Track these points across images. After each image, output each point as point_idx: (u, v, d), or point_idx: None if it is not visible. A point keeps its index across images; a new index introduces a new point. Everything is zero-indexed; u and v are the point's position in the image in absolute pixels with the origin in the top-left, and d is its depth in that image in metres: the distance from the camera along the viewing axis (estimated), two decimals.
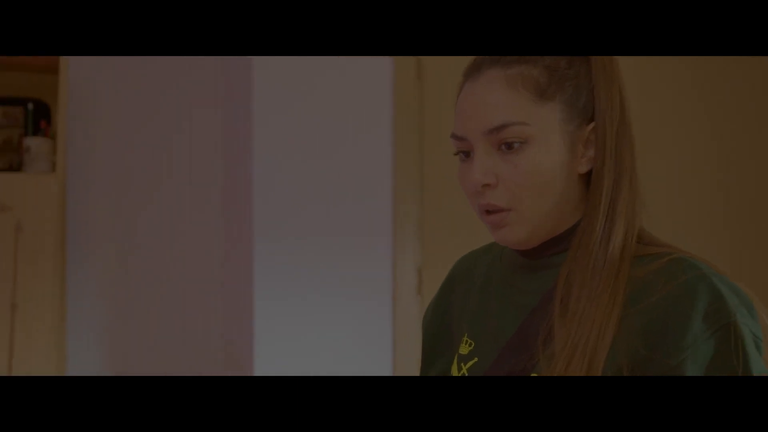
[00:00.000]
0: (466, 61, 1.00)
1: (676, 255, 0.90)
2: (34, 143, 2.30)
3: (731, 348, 0.83)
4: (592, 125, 0.94)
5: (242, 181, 2.40)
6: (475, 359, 0.99)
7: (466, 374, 1.00)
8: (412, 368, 1.24)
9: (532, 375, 0.90)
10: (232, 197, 2.52)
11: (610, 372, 0.85)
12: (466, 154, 0.96)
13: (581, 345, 0.87)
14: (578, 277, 0.91)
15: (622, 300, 0.87)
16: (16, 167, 2.34)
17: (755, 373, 0.83)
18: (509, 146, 0.92)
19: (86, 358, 2.55)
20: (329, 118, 1.78)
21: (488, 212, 0.95)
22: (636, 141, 0.97)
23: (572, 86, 0.94)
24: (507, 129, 0.92)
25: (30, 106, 2.37)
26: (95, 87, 2.56)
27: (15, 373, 2.16)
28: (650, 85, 2.69)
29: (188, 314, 2.61)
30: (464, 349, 1.02)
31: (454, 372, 1.02)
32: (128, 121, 2.61)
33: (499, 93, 0.94)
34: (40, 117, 2.38)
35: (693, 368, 0.83)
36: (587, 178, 0.95)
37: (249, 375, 2.26)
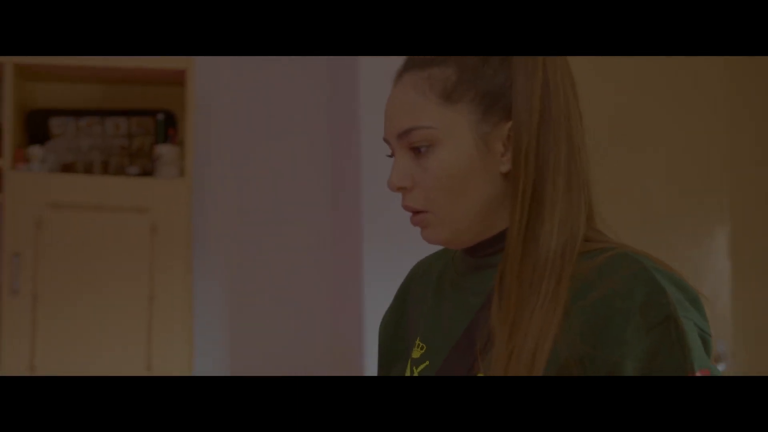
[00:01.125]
0: None
1: (620, 250, 0.88)
2: (164, 150, 2.52)
3: (672, 342, 0.82)
4: (510, 124, 0.91)
5: (350, 178, 2.58)
6: (426, 362, 0.98)
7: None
8: None
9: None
10: (340, 195, 2.70)
11: (554, 373, 0.84)
12: (393, 157, 0.96)
13: (516, 350, 0.85)
14: (511, 278, 0.89)
15: (564, 300, 0.86)
16: (149, 172, 2.57)
17: (697, 369, 0.82)
18: (418, 150, 0.92)
19: (210, 344, 2.78)
20: None
21: (412, 213, 0.95)
22: (585, 140, 0.94)
23: (487, 85, 0.92)
24: (413, 133, 0.92)
25: (160, 116, 2.59)
26: (216, 98, 2.79)
27: (153, 358, 2.40)
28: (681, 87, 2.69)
29: (299, 300, 2.81)
30: (416, 353, 1.01)
31: (407, 375, 1.01)
32: (244, 127, 2.82)
33: (408, 97, 0.93)
34: (168, 126, 2.61)
35: (634, 364, 0.82)
36: None
37: (358, 375, 2.43)
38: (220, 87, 2.79)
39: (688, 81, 2.66)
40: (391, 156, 0.96)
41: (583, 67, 2.63)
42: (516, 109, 0.90)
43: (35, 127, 2.57)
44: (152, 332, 2.41)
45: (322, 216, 2.85)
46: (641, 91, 2.66)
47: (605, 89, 2.60)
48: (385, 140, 0.96)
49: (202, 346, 2.74)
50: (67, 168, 2.56)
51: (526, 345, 0.85)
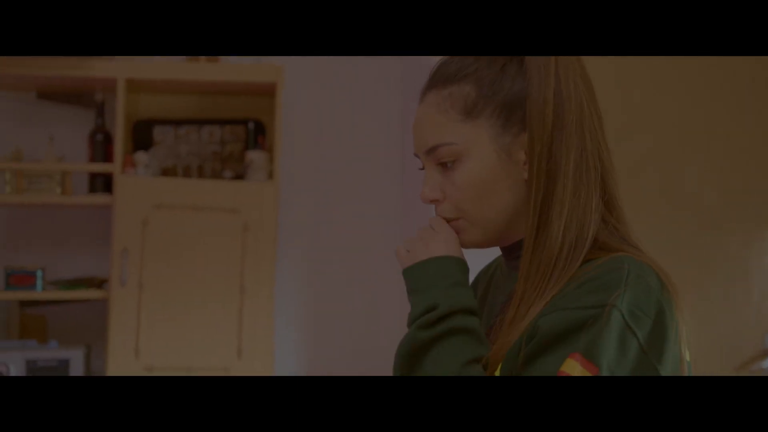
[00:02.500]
0: None
1: (622, 253, 0.94)
2: (254, 156, 2.76)
3: (595, 330, 0.86)
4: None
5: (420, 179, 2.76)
6: None
7: None
8: None
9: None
10: (413, 196, 2.91)
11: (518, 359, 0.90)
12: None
13: (507, 346, 0.93)
14: (521, 278, 0.95)
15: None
16: (240, 176, 2.82)
17: (599, 366, 0.86)
18: (445, 164, 0.99)
19: (292, 333, 3.01)
20: None
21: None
22: (601, 143, 0.97)
23: (505, 97, 0.96)
24: (438, 150, 0.98)
25: (251, 125, 2.83)
26: (302, 106, 3.02)
27: (243, 343, 2.64)
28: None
29: (374, 292, 3.01)
30: None
31: None
32: (326, 134, 3.05)
33: (431, 116, 0.99)
34: (258, 133, 2.85)
35: (561, 330, 0.88)
36: None
37: None
38: (305, 98, 3.02)
39: (743, 80, 2.73)
40: (422, 169, 1.02)
41: (631, 66, 2.71)
42: (530, 119, 0.95)
43: (140, 135, 2.85)
44: (243, 321, 2.66)
45: (398, 216, 3.06)
46: (697, 90, 2.74)
47: (655, 89, 2.70)
48: (416, 155, 1.03)
49: (283, 335, 2.98)
50: (168, 172, 2.82)
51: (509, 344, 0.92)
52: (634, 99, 2.69)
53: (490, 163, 0.97)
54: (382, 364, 0.97)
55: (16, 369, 2.41)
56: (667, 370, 0.90)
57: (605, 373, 0.87)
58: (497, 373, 0.93)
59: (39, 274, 2.61)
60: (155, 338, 2.61)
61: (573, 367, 0.87)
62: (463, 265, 1.01)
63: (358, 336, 2.99)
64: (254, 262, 2.67)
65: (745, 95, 2.74)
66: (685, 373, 0.95)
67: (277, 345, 2.94)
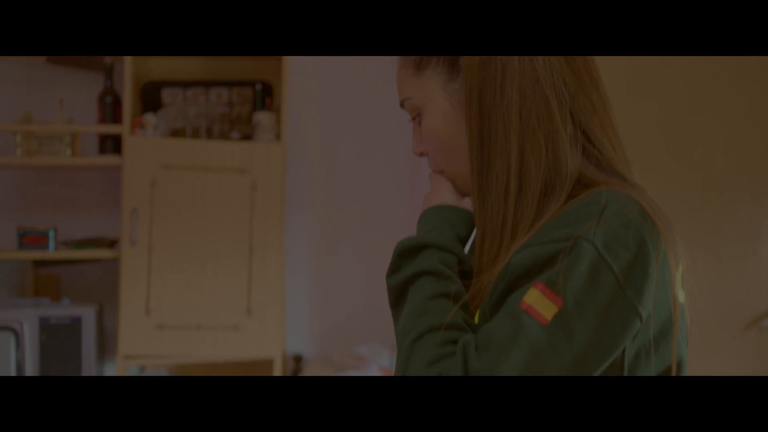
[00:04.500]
0: None
1: (604, 187, 0.92)
2: (262, 117, 2.78)
3: (562, 262, 0.85)
4: None
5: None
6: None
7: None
8: None
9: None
10: (418, 169, 2.92)
11: (501, 285, 0.90)
12: None
13: (481, 294, 0.94)
14: (479, 224, 0.97)
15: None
16: (248, 137, 2.84)
17: (564, 298, 0.84)
18: (416, 119, 1.02)
19: (301, 291, 3.04)
20: None
21: None
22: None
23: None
24: (404, 105, 1.03)
25: (258, 86, 2.84)
26: (309, 69, 3.02)
27: (252, 302, 2.67)
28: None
29: (380, 251, 3.04)
30: None
31: None
32: (333, 95, 3.06)
33: (397, 73, 1.03)
34: (266, 95, 2.86)
35: (528, 265, 0.87)
36: None
37: None
38: (312, 60, 3.03)
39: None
40: None
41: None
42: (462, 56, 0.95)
43: (149, 97, 2.87)
44: (252, 280, 2.69)
45: (407, 173, 3.07)
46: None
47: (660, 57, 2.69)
48: None
49: (294, 293, 3.01)
50: (177, 133, 2.85)
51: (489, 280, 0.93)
52: (640, 66, 2.68)
53: (445, 111, 0.98)
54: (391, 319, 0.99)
55: (29, 326, 2.45)
56: (647, 310, 0.87)
57: (571, 305, 0.84)
58: (477, 317, 0.94)
59: (51, 234, 2.65)
60: (166, 297, 2.65)
61: (534, 297, 0.85)
62: (447, 212, 1.01)
63: (368, 293, 3.02)
64: (263, 221, 2.70)
65: (751, 61, 2.73)
66: (678, 316, 0.91)
67: (288, 303, 2.97)
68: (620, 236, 0.86)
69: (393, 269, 0.98)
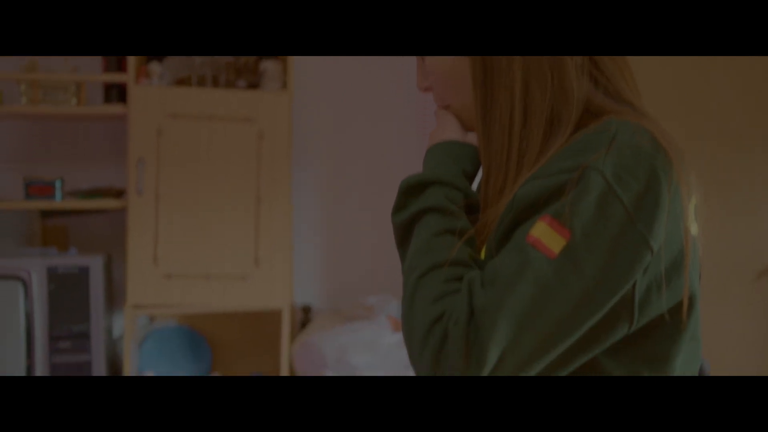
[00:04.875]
0: None
1: (613, 116, 0.89)
2: (268, 65, 2.74)
3: (569, 193, 0.83)
4: None
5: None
6: None
7: None
8: None
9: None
10: (426, 119, 2.88)
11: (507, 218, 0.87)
12: None
13: (487, 230, 0.92)
14: (484, 158, 0.95)
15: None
16: (254, 85, 2.80)
17: (571, 229, 0.82)
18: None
19: (308, 240, 3.03)
20: None
21: None
22: None
23: None
24: None
25: None
26: None
27: (260, 252, 2.66)
28: None
29: (387, 201, 3.02)
30: None
31: None
32: None
33: None
34: None
35: (534, 197, 0.85)
36: None
37: None
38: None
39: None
40: None
41: None
42: None
43: None
44: (259, 230, 2.68)
45: (415, 120, 3.03)
46: None
47: None
48: None
49: (302, 245, 3.00)
50: (182, 82, 2.81)
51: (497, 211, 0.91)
52: None
53: None
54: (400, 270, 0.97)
55: (37, 276, 2.45)
56: (658, 242, 0.84)
57: (579, 238, 0.82)
58: (483, 253, 0.92)
59: (58, 184, 2.64)
60: (173, 246, 2.64)
61: (541, 230, 0.83)
62: (452, 147, 0.99)
63: (377, 244, 3.00)
64: (270, 170, 2.67)
65: None
66: (690, 248, 0.88)
67: (296, 254, 2.96)
68: (630, 166, 0.83)
69: (398, 207, 0.96)
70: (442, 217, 0.92)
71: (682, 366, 0.92)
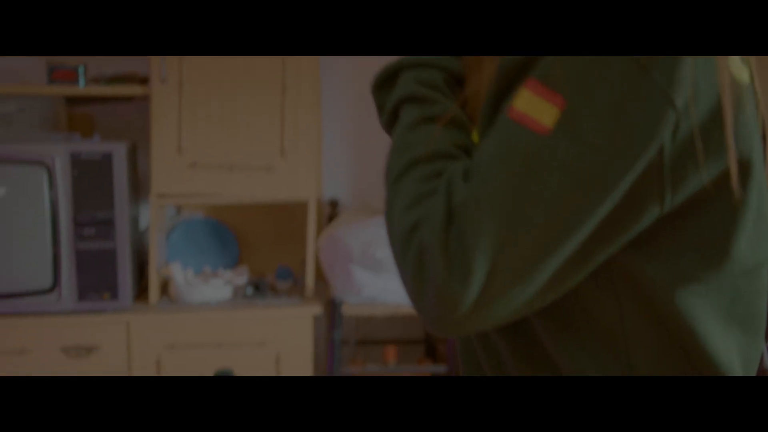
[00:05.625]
0: None
1: None
2: None
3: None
4: None
5: None
6: None
7: None
8: None
9: None
10: None
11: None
12: None
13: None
14: None
15: None
16: None
17: (563, 92, 0.67)
18: None
19: (337, 137, 2.96)
20: None
21: None
22: None
23: None
24: None
25: None
26: None
27: (285, 142, 2.61)
28: None
29: None
30: None
31: None
32: None
33: None
34: None
35: (517, 59, 0.70)
36: None
37: None
38: None
39: None
40: None
41: None
42: None
43: None
44: (285, 120, 2.61)
45: None
46: None
47: None
48: None
49: (330, 138, 2.93)
50: None
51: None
52: None
53: None
54: None
55: (61, 162, 2.43)
56: (683, 95, 0.66)
57: (575, 101, 0.66)
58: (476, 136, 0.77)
59: (81, 70, 2.59)
60: (197, 135, 2.60)
61: (525, 100, 0.67)
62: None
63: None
64: (296, 58, 2.59)
65: None
66: (728, 98, 0.69)
67: (324, 147, 2.90)
68: None
69: (378, 110, 0.85)
70: (417, 106, 0.78)
71: (748, 253, 0.74)
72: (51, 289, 2.46)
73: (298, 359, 2.57)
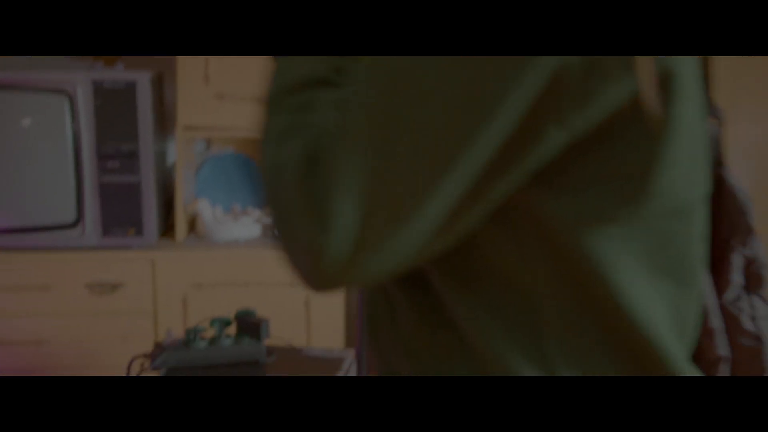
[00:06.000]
0: None
1: None
2: None
3: None
4: None
5: None
6: None
7: None
8: None
9: None
10: None
11: None
12: None
13: None
14: None
15: None
16: None
17: None
18: None
19: None
20: None
21: None
22: None
23: None
24: None
25: None
26: None
27: None
28: None
29: None
30: None
31: None
32: None
33: None
34: None
35: None
36: None
37: None
38: None
39: None
40: None
41: None
42: None
43: None
44: None
45: None
46: None
47: None
48: None
49: None
50: None
51: None
52: None
53: None
54: None
55: (82, 90, 2.32)
56: None
57: None
58: None
59: None
60: (224, 65, 2.47)
61: None
62: None
63: None
64: None
65: None
66: None
67: None
68: None
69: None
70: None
71: (679, 189, 0.62)
72: (74, 224, 2.37)
73: (328, 302, 2.46)
